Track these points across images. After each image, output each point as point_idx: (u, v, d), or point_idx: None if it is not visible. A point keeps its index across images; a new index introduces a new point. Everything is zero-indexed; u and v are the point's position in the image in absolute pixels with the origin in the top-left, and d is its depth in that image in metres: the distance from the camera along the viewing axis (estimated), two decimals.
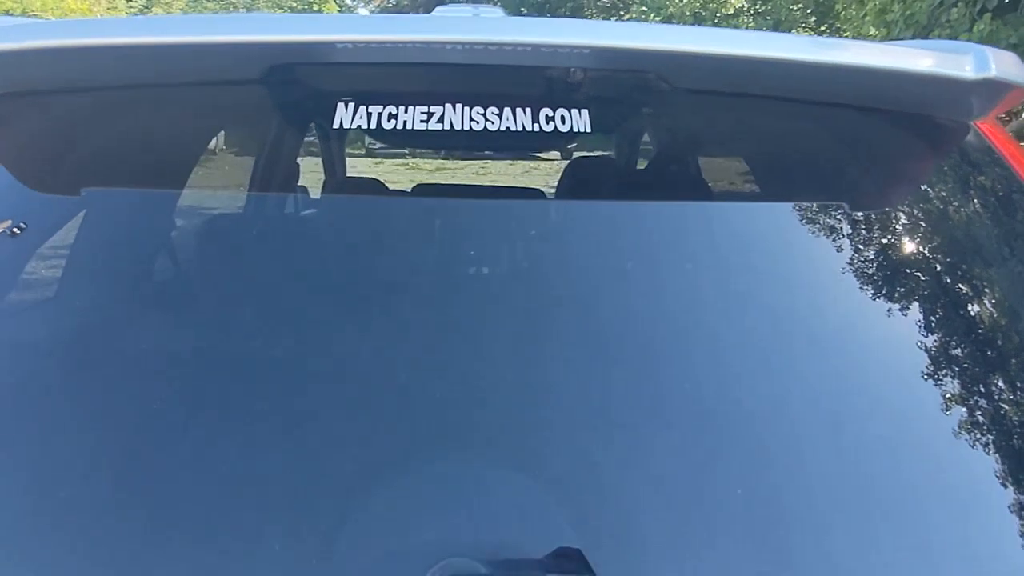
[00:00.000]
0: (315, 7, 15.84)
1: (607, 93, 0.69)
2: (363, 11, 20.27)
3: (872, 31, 5.42)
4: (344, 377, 0.55)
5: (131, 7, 15.07)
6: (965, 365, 0.57)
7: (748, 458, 0.51)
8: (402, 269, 0.61)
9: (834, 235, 0.64)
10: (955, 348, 0.58)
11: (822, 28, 10.23)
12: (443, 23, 0.63)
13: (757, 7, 10.61)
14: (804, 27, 10.43)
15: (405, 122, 0.61)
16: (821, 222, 0.66)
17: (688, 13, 10.06)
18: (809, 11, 10.41)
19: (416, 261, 0.62)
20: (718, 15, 10.15)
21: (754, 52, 0.55)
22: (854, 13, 5.96)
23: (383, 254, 0.62)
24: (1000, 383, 0.56)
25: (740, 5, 10.34)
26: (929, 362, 0.56)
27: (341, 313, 0.59)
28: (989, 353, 0.59)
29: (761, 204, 0.68)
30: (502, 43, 0.59)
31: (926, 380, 0.55)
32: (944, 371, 0.57)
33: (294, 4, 15.99)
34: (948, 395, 0.55)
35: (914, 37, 4.56)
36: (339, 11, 16.76)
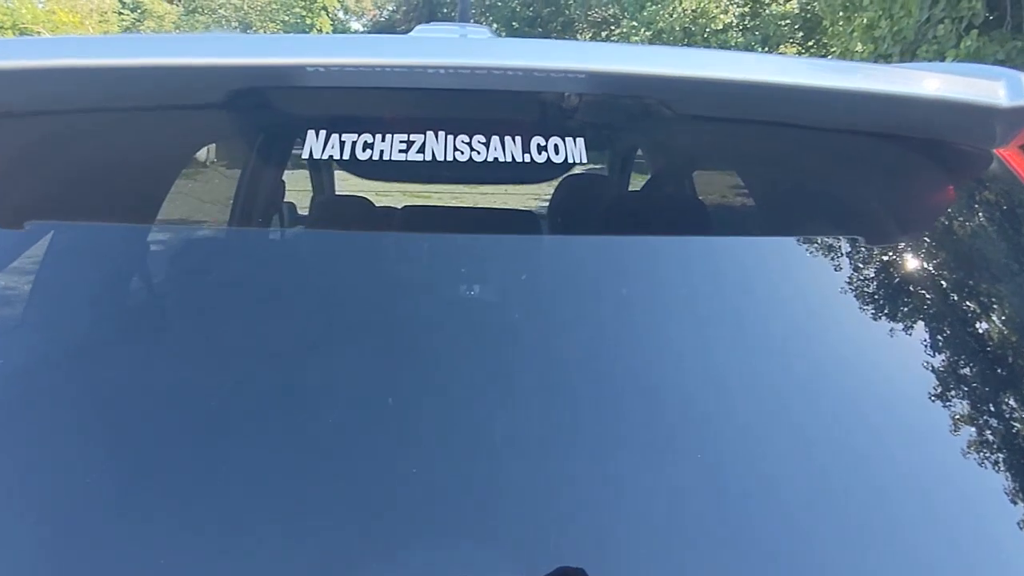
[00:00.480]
0: (308, 21, 15.93)
1: (605, 120, 0.64)
2: (356, 25, 20.43)
3: (859, 47, 5.49)
4: (323, 407, 0.52)
5: (123, 20, 15.12)
6: (994, 406, 0.54)
7: (758, 498, 0.48)
8: (388, 293, 0.58)
9: (850, 270, 0.61)
10: (981, 390, 0.55)
11: (809, 44, 10.41)
12: (426, 46, 0.58)
13: (746, 23, 10.77)
14: (792, 43, 10.60)
15: (383, 152, 0.55)
16: (836, 256, 0.62)
17: (678, 28, 10.19)
18: (797, 27, 10.59)
19: (401, 285, 0.59)
20: (707, 30, 10.29)
21: (771, 78, 0.50)
22: (841, 29, 6.05)
23: (367, 279, 0.58)
24: None
25: (729, 21, 10.50)
26: (954, 403, 0.53)
27: (318, 342, 0.55)
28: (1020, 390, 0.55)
29: (773, 238, 0.63)
30: (490, 67, 0.53)
31: (955, 426, 0.52)
32: (972, 414, 0.53)
33: (287, 18, 16.07)
34: (986, 446, 0.51)
35: (902, 53, 4.61)
36: (332, 25, 16.88)
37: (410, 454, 0.49)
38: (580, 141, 0.57)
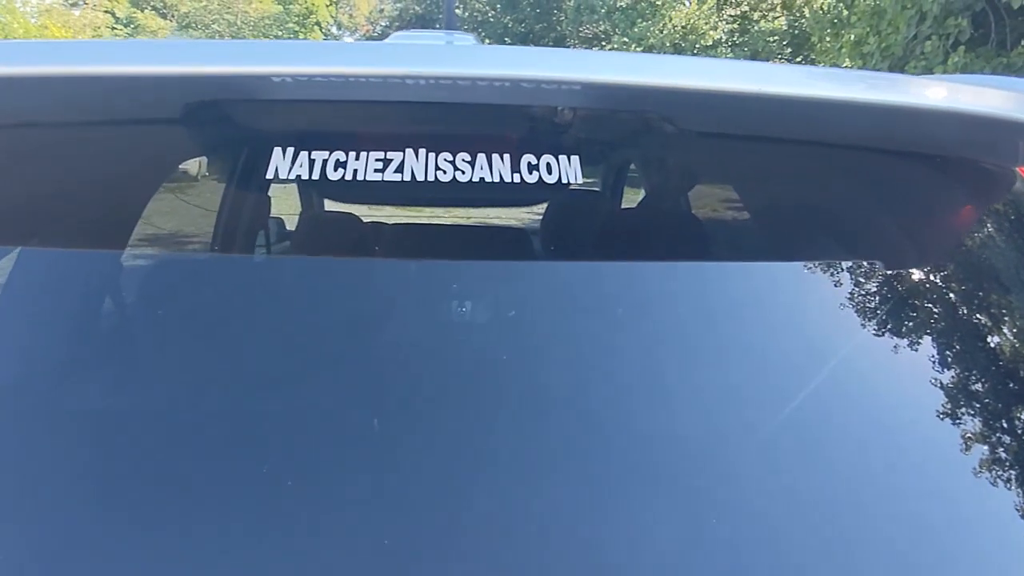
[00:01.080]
0: (301, 36, 16.04)
1: (602, 136, 0.59)
2: (349, 40, 20.59)
3: (848, 63, 5.56)
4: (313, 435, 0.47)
5: (116, 35, 15.17)
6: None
7: (762, 534, 0.44)
8: (376, 314, 0.54)
9: (865, 296, 0.57)
10: (1007, 421, 0.51)
11: (798, 60, 10.58)
12: (405, 54, 0.53)
13: (735, 39, 10.94)
14: (780, 59, 10.77)
15: (356, 171, 0.50)
16: (850, 281, 0.57)
17: (668, 44, 10.33)
18: (785, 43, 10.77)
19: (389, 306, 0.55)
20: (697, 46, 10.44)
21: (782, 90, 0.45)
22: (830, 45, 6.14)
23: (355, 299, 0.54)
24: None
25: (718, 37, 10.66)
26: (970, 435, 0.49)
27: (300, 364, 0.51)
28: None
29: (786, 264, 0.59)
30: (475, 77, 0.49)
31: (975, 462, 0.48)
32: (993, 446, 0.49)
33: (280, 33, 16.17)
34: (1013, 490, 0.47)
35: (890, 69, 4.67)
36: (325, 40, 17.01)
37: (397, 477, 0.45)
38: (575, 159, 0.52)
